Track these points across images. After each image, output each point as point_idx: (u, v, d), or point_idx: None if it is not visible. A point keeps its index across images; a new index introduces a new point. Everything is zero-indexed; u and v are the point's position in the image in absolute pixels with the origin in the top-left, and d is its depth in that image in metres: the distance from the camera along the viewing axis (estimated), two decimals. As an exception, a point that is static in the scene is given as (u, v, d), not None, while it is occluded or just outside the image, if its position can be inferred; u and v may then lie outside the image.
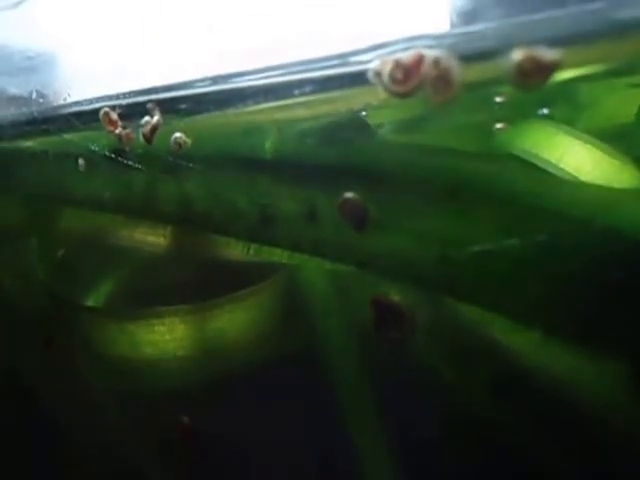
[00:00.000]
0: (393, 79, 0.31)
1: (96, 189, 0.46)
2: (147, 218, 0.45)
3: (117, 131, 0.45)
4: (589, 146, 0.42)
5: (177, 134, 0.43)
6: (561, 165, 0.41)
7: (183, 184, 0.42)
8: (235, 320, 0.46)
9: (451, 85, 0.29)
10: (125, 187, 0.45)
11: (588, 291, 0.31)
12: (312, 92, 0.35)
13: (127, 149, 0.45)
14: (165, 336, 0.47)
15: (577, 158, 0.41)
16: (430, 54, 0.29)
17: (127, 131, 0.45)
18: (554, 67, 0.26)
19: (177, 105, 0.42)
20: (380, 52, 0.31)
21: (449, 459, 0.37)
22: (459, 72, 0.28)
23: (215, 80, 0.40)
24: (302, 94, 0.36)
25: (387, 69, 0.31)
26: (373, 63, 0.31)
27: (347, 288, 0.44)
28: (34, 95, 0.49)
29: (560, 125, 0.42)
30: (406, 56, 0.30)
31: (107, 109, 0.45)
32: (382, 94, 0.31)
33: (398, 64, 0.30)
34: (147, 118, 0.43)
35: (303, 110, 0.36)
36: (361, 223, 0.32)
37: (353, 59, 0.33)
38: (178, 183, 0.42)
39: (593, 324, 0.31)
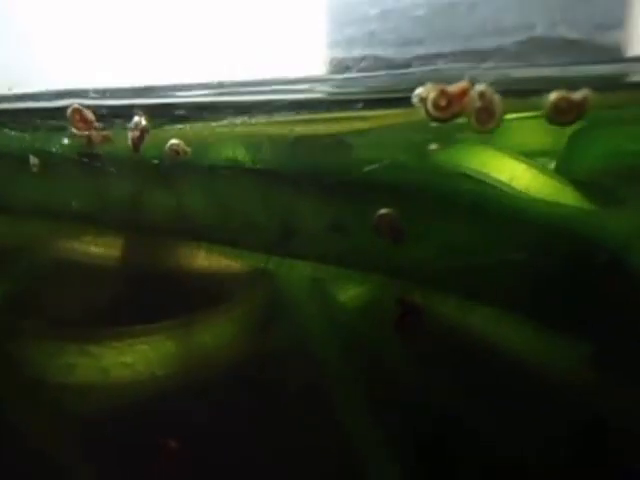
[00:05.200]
0: (436, 105, 0.34)
1: (55, 195, 0.40)
2: (126, 229, 0.41)
3: (89, 132, 0.40)
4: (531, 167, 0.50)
5: (173, 141, 0.40)
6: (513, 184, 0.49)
7: (181, 194, 0.39)
8: (218, 333, 0.44)
9: (494, 116, 0.33)
10: (101, 195, 0.40)
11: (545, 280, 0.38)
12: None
13: (97, 152, 0.41)
14: (147, 355, 0.43)
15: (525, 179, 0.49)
16: (476, 87, 0.33)
17: (104, 133, 0.40)
18: (584, 105, 0.32)
19: (171, 110, 0.39)
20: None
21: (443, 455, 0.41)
22: (501, 105, 0.33)
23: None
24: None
25: (432, 95, 0.34)
26: (419, 89, 0.34)
27: (328, 292, 0.45)
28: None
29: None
30: (453, 86, 0.33)
31: (78, 106, 0.40)
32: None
33: (443, 92, 0.34)
34: (136, 120, 0.39)
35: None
36: (398, 237, 0.35)
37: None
38: (173, 192, 0.39)
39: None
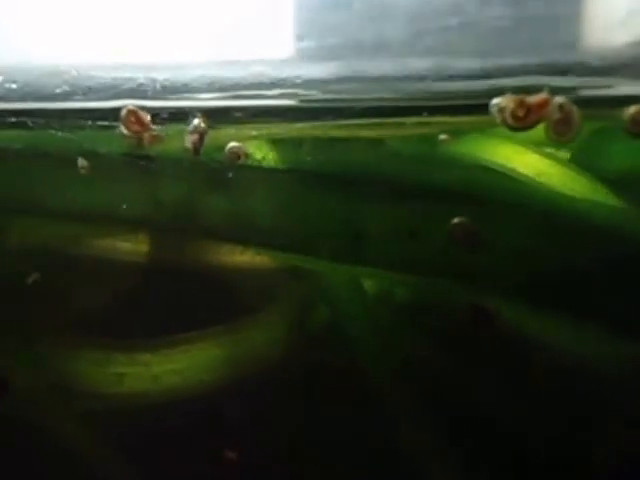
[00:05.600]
0: (514, 115, 0.34)
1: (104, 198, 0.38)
2: (180, 233, 0.39)
3: (149, 133, 0.38)
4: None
5: (233, 144, 0.39)
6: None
7: (239, 197, 0.38)
8: (265, 336, 0.44)
9: (571, 128, 0.34)
10: (154, 198, 0.38)
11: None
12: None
13: (149, 153, 0.39)
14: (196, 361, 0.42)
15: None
16: (556, 99, 0.33)
17: (155, 133, 0.39)
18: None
19: (229, 112, 0.38)
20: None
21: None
22: (579, 116, 0.34)
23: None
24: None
25: (511, 106, 0.34)
26: (497, 99, 0.34)
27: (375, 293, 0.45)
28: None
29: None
30: (533, 97, 0.34)
31: (133, 107, 0.38)
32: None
33: (523, 103, 0.34)
34: (195, 123, 0.37)
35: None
36: (474, 244, 0.35)
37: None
38: (231, 196, 0.38)
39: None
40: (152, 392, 0.43)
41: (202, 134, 0.38)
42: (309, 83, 0.38)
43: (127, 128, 0.38)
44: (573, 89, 0.34)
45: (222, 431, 0.43)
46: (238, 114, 0.39)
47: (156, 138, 0.40)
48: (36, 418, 0.44)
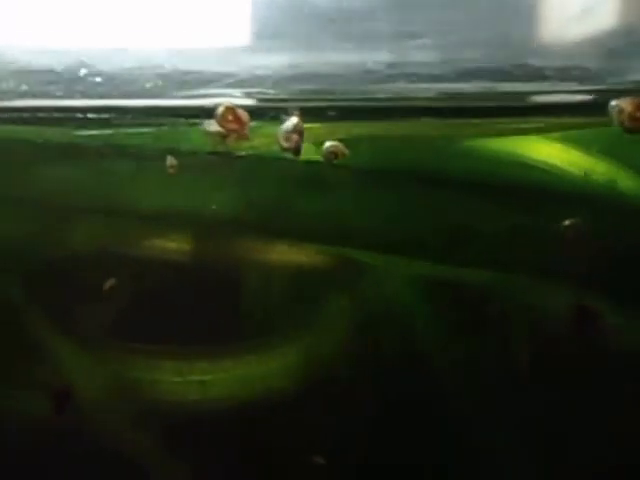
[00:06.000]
0: (632, 117, 0.34)
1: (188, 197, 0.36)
2: (269, 234, 0.38)
3: (244, 131, 0.36)
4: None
5: (332, 142, 0.37)
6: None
7: (333, 197, 0.36)
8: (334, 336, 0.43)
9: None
10: (243, 198, 0.37)
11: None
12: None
13: (236, 152, 0.37)
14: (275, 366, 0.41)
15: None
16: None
17: (245, 132, 0.37)
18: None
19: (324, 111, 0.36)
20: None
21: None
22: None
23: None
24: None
25: (630, 108, 0.34)
26: (617, 100, 0.34)
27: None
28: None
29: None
30: (654, 99, 0.33)
31: (231, 105, 0.36)
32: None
33: (641, 106, 0.33)
34: (294, 122, 0.36)
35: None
36: (584, 246, 0.35)
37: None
38: (324, 196, 0.37)
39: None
40: (234, 399, 0.41)
41: (302, 133, 0.37)
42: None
43: (223, 126, 0.37)
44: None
45: (304, 436, 0.42)
46: (331, 112, 0.38)
47: (242, 136, 0.39)
48: (108, 430, 0.42)
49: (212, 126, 0.39)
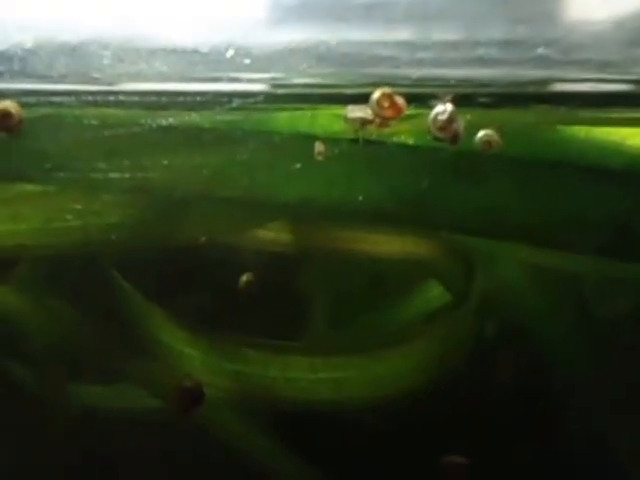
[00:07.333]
0: None
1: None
2: (420, 226, 0.36)
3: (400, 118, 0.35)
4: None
5: (486, 131, 0.36)
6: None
7: (486, 188, 0.35)
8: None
9: None
10: (390, 189, 0.35)
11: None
12: None
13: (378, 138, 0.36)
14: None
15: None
16: None
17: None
18: None
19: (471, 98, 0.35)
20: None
21: None
22: None
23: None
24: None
25: None
26: None
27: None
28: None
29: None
30: None
31: (389, 91, 0.34)
32: None
33: None
34: (450, 109, 0.35)
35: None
36: None
37: None
38: (475, 187, 0.36)
39: None
40: (368, 397, 0.40)
41: (457, 121, 0.36)
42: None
43: (377, 114, 0.35)
44: None
45: (435, 434, 0.41)
46: (483, 99, 0.37)
47: (385, 123, 0.37)
48: (233, 430, 0.40)
49: (355, 112, 0.38)
